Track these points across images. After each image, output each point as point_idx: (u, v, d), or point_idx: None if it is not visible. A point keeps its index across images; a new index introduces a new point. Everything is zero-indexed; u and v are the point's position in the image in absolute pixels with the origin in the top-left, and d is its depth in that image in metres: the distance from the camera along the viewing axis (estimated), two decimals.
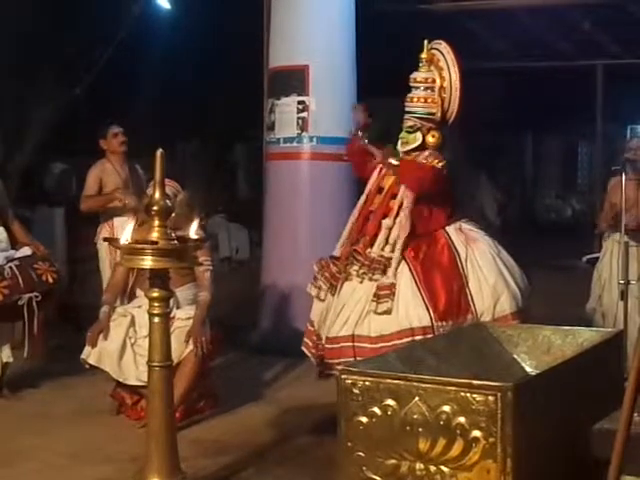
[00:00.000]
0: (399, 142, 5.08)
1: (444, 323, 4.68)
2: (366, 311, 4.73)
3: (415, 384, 3.16)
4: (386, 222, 4.90)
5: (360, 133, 5.20)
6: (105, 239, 5.75)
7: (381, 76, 10.26)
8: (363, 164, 5.22)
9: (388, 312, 4.69)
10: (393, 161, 5.02)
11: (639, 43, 11.16)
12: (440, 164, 4.91)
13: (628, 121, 16.17)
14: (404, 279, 4.76)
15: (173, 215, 3.95)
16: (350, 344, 4.73)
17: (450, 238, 4.92)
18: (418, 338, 4.61)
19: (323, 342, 4.90)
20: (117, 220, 6.44)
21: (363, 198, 5.16)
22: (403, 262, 4.81)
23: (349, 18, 7.40)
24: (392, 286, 4.72)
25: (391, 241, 4.86)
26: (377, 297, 4.71)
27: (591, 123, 13.97)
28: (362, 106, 5.33)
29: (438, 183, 4.94)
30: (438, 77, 4.98)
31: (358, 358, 4.60)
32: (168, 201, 3.82)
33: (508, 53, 12.98)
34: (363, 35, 7.49)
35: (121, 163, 6.66)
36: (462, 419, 3.07)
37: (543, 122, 18.21)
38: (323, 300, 4.98)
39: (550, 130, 19.91)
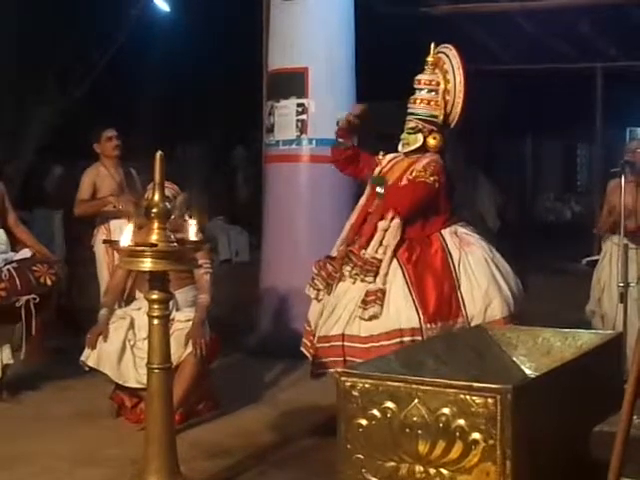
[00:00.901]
0: (400, 143, 5.08)
1: (433, 325, 4.68)
2: (356, 313, 4.74)
3: (415, 386, 3.16)
4: (382, 224, 4.91)
5: (341, 140, 5.19)
6: (105, 241, 5.75)
7: (380, 79, 10.27)
8: (347, 168, 5.27)
9: (375, 317, 4.70)
10: (379, 189, 5.00)
11: (638, 45, 11.16)
12: (432, 178, 4.88)
13: (627, 123, 16.19)
14: (396, 281, 4.77)
15: (172, 217, 3.95)
16: (340, 343, 4.74)
17: (444, 241, 4.92)
18: (406, 339, 4.63)
19: (315, 341, 4.91)
20: (113, 223, 6.44)
21: (363, 199, 5.17)
22: (396, 264, 4.82)
23: (348, 21, 7.40)
24: (379, 292, 4.72)
25: (385, 243, 4.86)
26: (364, 303, 4.72)
27: (590, 125, 13.96)
28: (359, 108, 5.29)
29: (429, 199, 4.92)
30: (442, 80, 4.99)
31: (347, 357, 4.65)
32: (167, 203, 3.82)
33: (507, 56, 12.98)
34: (362, 38, 7.50)
35: (115, 167, 6.64)
36: (462, 421, 3.07)
37: (542, 124, 18.21)
38: (321, 300, 4.99)
39: (549, 132, 19.91)
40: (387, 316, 4.69)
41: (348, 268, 4.85)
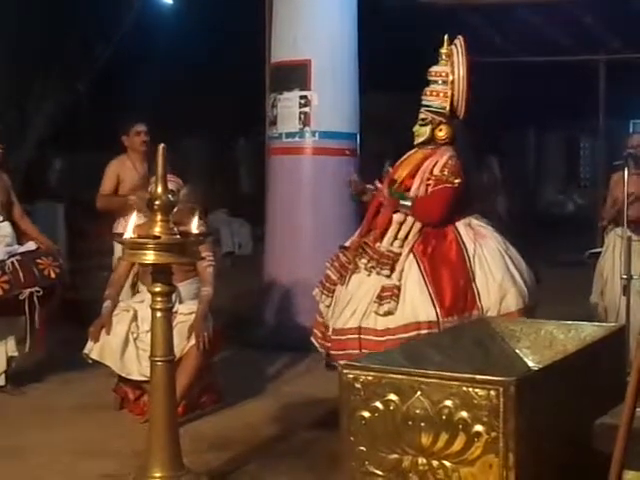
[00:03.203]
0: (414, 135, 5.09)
1: (450, 318, 4.68)
2: (371, 308, 4.74)
3: (417, 379, 3.16)
4: (397, 217, 4.91)
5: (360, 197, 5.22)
6: (113, 235, 5.74)
7: (383, 71, 10.26)
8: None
9: (391, 313, 4.69)
10: (405, 202, 4.95)
11: None
12: (457, 180, 4.87)
13: (630, 116, 16.15)
14: (412, 274, 4.76)
15: (175, 210, 3.95)
16: (356, 336, 4.73)
17: (459, 234, 4.92)
18: (423, 332, 4.62)
19: (330, 333, 4.90)
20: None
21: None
22: (412, 258, 4.81)
23: (351, 13, 7.39)
24: (395, 288, 4.72)
25: (401, 236, 4.86)
26: (380, 298, 4.71)
27: (593, 118, 13.94)
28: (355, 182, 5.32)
29: (456, 200, 4.90)
30: (450, 71, 4.99)
31: (364, 350, 4.62)
32: (171, 196, 3.82)
33: (509, 48, 12.95)
34: (365, 30, 7.48)
35: (141, 161, 6.60)
36: (464, 414, 3.07)
37: (545, 117, 18.18)
38: (328, 307, 4.99)
39: (552, 125, 19.88)
40: (403, 309, 4.68)
41: (364, 261, 4.85)
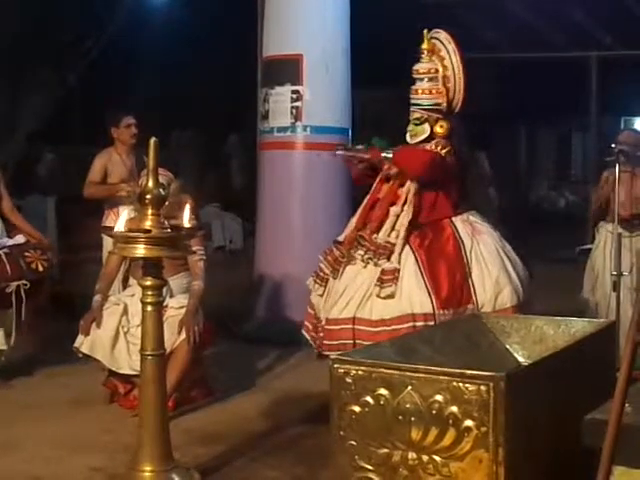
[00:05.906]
0: (407, 134, 5.08)
1: (445, 311, 4.69)
2: (369, 294, 4.73)
3: (408, 374, 3.17)
4: (394, 209, 4.92)
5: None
6: (102, 228, 5.73)
7: (375, 66, 10.26)
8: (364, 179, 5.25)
9: (391, 296, 4.69)
10: (387, 154, 5.00)
11: (633, 34, 11.16)
12: (443, 150, 4.92)
13: (622, 112, 16.20)
14: (408, 266, 4.77)
15: (166, 204, 3.94)
16: (350, 326, 4.73)
17: (456, 228, 4.94)
18: (419, 324, 4.63)
19: (323, 324, 4.90)
20: (122, 208, 6.37)
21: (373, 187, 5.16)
22: (408, 249, 4.82)
23: (344, 7, 7.39)
24: (396, 271, 4.73)
25: (398, 227, 4.87)
26: (381, 281, 4.71)
27: (585, 114, 13.98)
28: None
29: (437, 168, 4.92)
30: (440, 67, 4.98)
31: (357, 341, 4.64)
32: (162, 190, 3.81)
33: (501, 44, 12.97)
34: (358, 24, 7.48)
35: (128, 153, 6.59)
36: (454, 409, 3.07)
37: (536, 113, 18.22)
38: (321, 296, 4.99)
39: (543, 121, 19.93)
40: (399, 300, 4.69)
41: (360, 252, 4.84)
